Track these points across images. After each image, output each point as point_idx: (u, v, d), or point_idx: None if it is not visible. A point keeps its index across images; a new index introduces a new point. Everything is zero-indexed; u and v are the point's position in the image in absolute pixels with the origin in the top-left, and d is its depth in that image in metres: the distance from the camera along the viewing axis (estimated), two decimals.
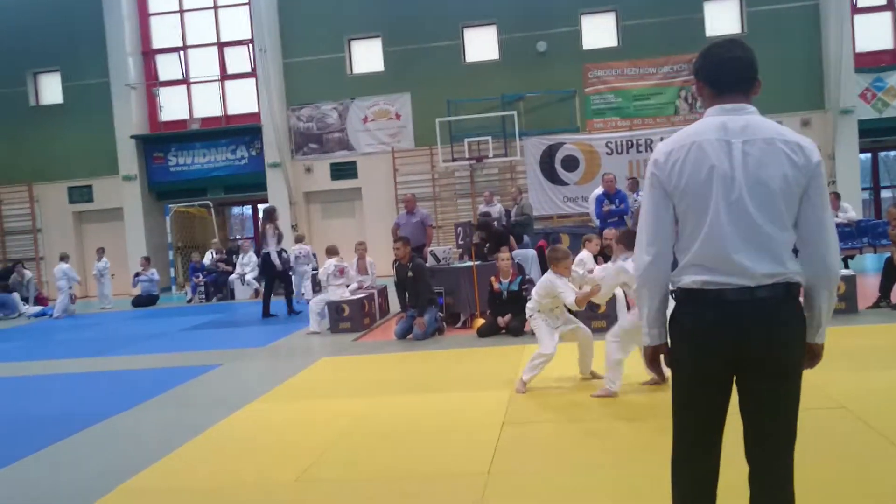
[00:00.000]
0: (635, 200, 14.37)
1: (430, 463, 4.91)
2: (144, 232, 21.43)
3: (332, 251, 11.55)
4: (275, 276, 13.48)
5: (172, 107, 22.25)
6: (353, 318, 10.87)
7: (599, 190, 13.68)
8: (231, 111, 22.22)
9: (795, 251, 2.71)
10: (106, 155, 21.52)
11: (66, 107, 22.09)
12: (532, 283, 11.07)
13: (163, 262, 20.75)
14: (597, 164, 19.62)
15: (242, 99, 21.99)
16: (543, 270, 12.28)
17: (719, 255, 2.60)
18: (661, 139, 19.05)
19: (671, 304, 2.79)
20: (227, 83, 22.22)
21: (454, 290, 10.60)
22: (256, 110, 21.58)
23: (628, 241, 6.38)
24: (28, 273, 19.01)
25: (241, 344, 10.60)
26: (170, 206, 20.46)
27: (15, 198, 22.34)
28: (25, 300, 18.15)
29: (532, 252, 12.18)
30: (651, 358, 2.84)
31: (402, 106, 20.95)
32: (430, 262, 10.88)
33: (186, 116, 22.26)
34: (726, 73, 2.72)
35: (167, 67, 22.33)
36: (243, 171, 21.79)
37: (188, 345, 10.99)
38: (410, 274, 9.99)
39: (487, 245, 11.50)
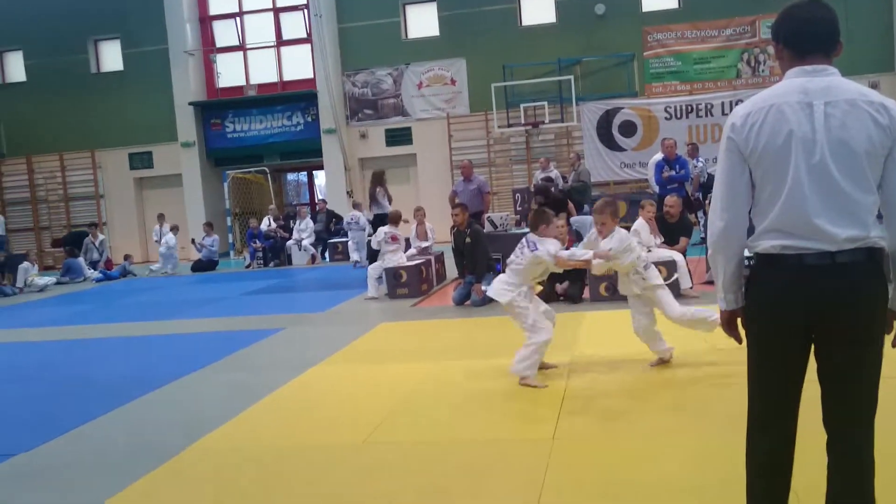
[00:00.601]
0: (695, 166, 14.09)
1: (493, 428, 4.93)
2: (203, 198, 21.76)
3: (394, 218, 11.52)
4: None
5: (229, 73, 22.42)
6: (410, 283, 10.92)
7: (659, 156, 13.44)
8: (287, 77, 22.32)
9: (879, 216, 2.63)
10: (165, 121, 21.84)
11: (126, 74, 22.43)
12: None
13: (221, 228, 21.09)
14: (655, 130, 19.27)
15: (298, 65, 22.04)
16: None
17: (799, 220, 2.55)
18: (722, 104, 18.74)
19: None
20: (283, 49, 22.31)
21: None
22: (312, 76, 21.61)
23: (537, 223, 6.10)
24: (101, 235, 19.60)
25: (301, 309, 10.74)
26: (227, 172, 20.72)
27: (78, 164, 22.85)
28: (95, 264, 18.66)
29: (590, 219, 12.04)
30: (728, 322, 2.79)
31: (458, 71, 20.79)
32: (488, 228, 10.85)
33: (243, 83, 22.42)
34: (808, 36, 2.65)
35: (224, 33, 22.48)
36: (299, 138, 21.93)
37: (249, 309, 11.19)
38: (468, 240, 9.97)
39: None
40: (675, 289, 9.05)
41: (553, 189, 12.85)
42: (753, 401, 2.75)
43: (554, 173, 15.08)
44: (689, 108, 19.35)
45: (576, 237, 9.89)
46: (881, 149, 2.54)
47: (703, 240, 11.25)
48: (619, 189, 19.50)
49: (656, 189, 13.25)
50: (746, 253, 2.73)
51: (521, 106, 19.65)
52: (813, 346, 2.64)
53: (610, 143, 19.75)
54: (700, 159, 14.51)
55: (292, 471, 4.44)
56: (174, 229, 18.33)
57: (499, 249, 10.48)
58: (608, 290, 9.32)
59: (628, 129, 19.67)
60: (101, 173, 22.78)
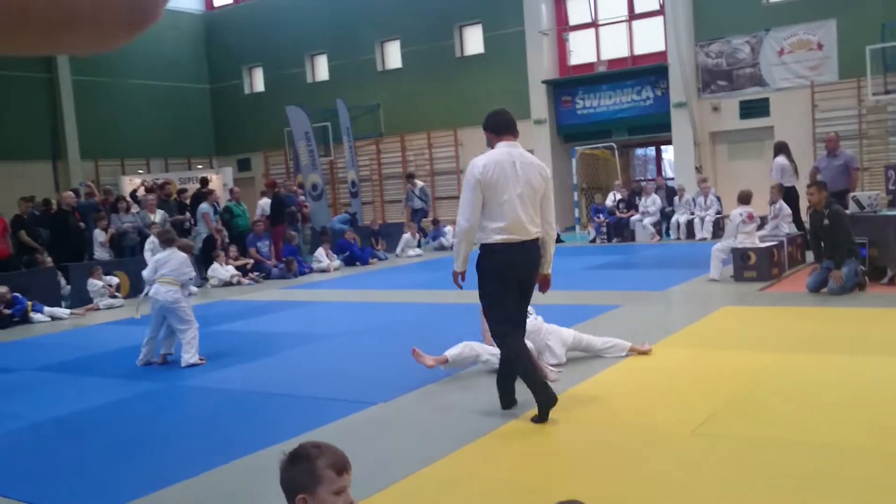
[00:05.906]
0: None
1: (832, 431, 4.51)
2: (552, 173, 22.35)
3: (743, 198, 10.90)
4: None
5: (581, 50, 22.74)
6: (759, 266, 10.29)
7: None
8: (637, 51, 22.05)
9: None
10: (519, 100, 22.76)
11: (486, 56, 23.78)
12: None
13: (567, 203, 21.63)
14: None
15: (649, 38, 21.64)
16: None
17: (515, 223, 4.93)
18: None
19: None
20: (634, 23, 22.05)
21: (880, 241, 9.46)
22: (663, 49, 21.09)
23: None
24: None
25: (640, 286, 10.67)
26: (576, 148, 21.12)
27: (443, 142, 24.84)
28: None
29: None
30: (459, 277, 5.19)
31: (826, 34, 18.89)
32: (852, 208, 9.83)
33: (594, 59, 22.61)
34: (505, 126, 5.21)
35: (577, 11, 22.83)
36: (647, 112, 21.59)
37: (589, 284, 11.37)
38: (826, 222, 9.13)
39: None
40: None
41: None
42: (497, 312, 5.10)
43: None
44: None
45: None
46: (541, 189, 5.07)
47: None
48: None
49: None
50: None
51: None
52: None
53: None
54: None
55: (613, 450, 4.49)
56: None
57: (864, 233, 9.48)
58: None
59: None
60: (461, 150, 24.53)
